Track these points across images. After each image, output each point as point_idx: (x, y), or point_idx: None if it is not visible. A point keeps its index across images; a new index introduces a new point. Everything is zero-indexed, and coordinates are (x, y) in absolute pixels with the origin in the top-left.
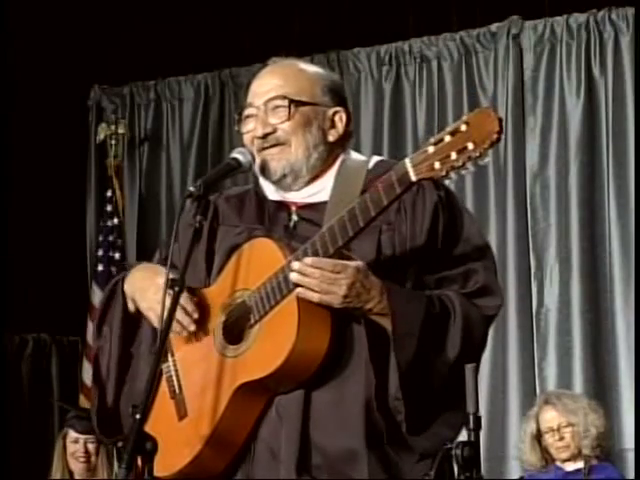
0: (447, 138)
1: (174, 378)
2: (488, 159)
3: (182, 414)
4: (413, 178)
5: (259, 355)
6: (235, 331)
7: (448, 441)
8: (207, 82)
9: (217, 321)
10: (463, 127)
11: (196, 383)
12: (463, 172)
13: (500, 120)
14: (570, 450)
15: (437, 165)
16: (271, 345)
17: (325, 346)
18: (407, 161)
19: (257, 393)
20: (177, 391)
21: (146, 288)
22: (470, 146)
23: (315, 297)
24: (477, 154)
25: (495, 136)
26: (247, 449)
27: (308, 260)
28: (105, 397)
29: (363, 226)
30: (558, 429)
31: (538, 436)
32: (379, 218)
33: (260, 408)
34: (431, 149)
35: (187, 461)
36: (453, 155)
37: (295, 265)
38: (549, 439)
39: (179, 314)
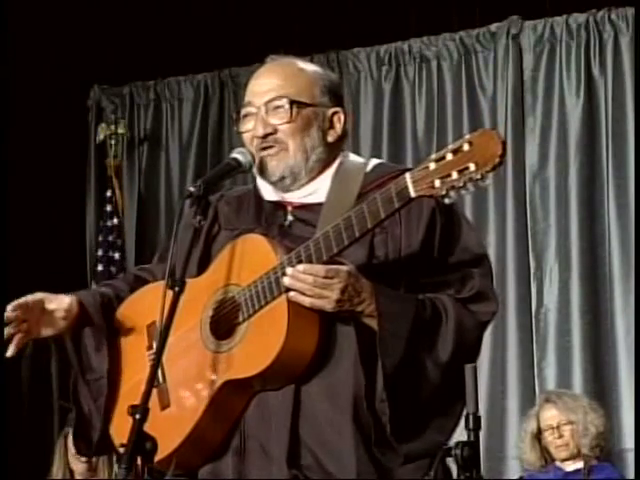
0: (449, 156)
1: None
2: (489, 182)
3: (165, 404)
4: (412, 194)
5: (247, 354)
6: (222, 326)
7: (437, 446)
8: (207, 82)
9: (204, 314)
10: (466, 147)
11: (180, 374)
12: (463, 192)
13: (504, 143)
14: (569, 449)
15: (437, 183)
16: (259, 345)
17: (313, 347)
18: (407, 176)
19: (242, 390)
20: (160, 380)
21: None
22: (472, 167)
23: (307, 301)
24: (478, 176)
25: (498, 159)
26: (236, 446)
27: (300, 267)
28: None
29: (359, 237)
30: (558, 427)
31: (538, 435)
32: None
33: (243, 405)
34: (432, 166)
35: (167, 453)
36: (454, 175)
37: (288, 270)
38: (548, 437)
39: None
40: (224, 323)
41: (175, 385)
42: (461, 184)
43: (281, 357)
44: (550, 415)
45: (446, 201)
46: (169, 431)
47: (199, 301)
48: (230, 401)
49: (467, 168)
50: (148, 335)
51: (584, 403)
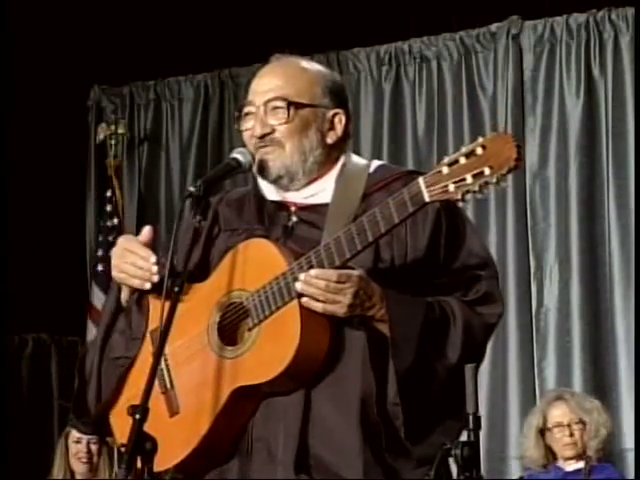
0: (462, 160)
1: (165, 373)
2: (506, 184)
3: (174, 411)
4: (427, 199)
5: (259, 360)
6: (231, 332)
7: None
8: (207, 82)
9: (211, 319)
10: (479, 150)
11: (188, 380)
12: (479, 196)
13: (519, 147)
14: (576, 448)
15: (452, 188)
16: (272, 350)
17: (324, 352)
18: (421, 181)
19: (252, 396)
20: (169, 387)
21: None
22: (487, 171)
23: (319, 307)
24: (494, 180)
25: (513, 163)
26: (242, 448)
27: (313, 272)
28: (90, 396)
29: (372, 241)
30: (568, 425)
31: (543, 431)
32: None
33: (253, 409)
34: (445, 170)
35: (180, 459)
36: (469, 179)
37: (300, 276)
38: (557, 434)
39: (136, 261)
40: (232, 329)
41: (184, 392)
42: (477, 188)
43: (294, 363)
44: (560, 412)
45: (460, 204)
46: (179, 439)
47: (204, 307)
48: (240, 407)
49: (482, 173)
50: (152, 341)
51: (597, 404)
